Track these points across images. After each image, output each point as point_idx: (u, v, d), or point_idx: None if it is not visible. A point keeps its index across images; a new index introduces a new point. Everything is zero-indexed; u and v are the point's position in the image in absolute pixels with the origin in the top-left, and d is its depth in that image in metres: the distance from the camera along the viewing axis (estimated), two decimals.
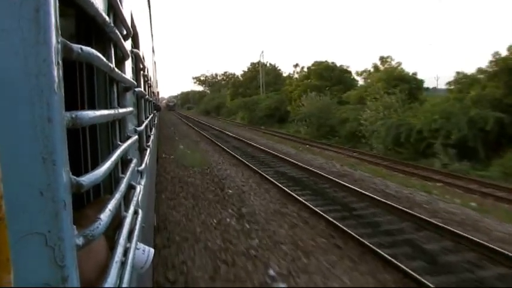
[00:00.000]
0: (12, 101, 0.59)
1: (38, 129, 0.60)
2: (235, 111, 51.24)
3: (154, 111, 8.11)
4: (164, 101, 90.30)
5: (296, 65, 44.38)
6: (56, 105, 0.63)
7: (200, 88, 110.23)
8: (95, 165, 1.53)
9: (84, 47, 0.76)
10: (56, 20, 0.65)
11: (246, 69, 59.83)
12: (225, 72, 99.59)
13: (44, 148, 0.61)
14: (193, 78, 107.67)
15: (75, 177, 0.71)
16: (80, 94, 1.43)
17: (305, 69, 40.01)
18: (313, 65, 37.61)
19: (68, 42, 0.71)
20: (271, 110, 38.24)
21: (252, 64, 58.27)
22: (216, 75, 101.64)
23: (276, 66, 55.72)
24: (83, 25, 1.38)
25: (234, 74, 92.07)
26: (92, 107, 1.51)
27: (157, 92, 20.32)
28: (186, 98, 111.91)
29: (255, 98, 45.26)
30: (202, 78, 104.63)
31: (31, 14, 0.60)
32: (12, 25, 0.58)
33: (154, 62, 14.05)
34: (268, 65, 55.05)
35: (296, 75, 42.90)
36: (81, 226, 0.75)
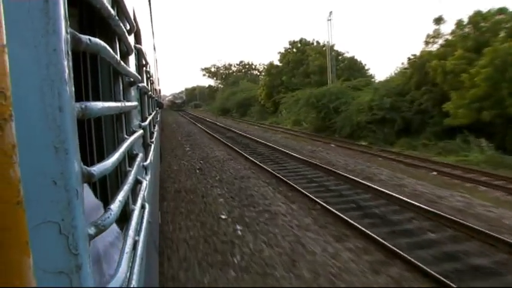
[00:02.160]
0: (24, 91, 0.59)
1: (49, 119, 0.61)
2: (271, 110, 38.80)
3: (157, 108, 8.11)
4: (168, 98, 75.30)
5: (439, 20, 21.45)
6: (67, 95, 0.64)
7: (210, 82, 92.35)
8: (101, 157, 1.54)
9: (92, 38, 0.77)
10: (64, 10, 0.65)
11: (283, 51, 42.05)
12: (241, 62, 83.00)
13: (56, 137, 0.61)
14: (202, 69, 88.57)
15: (86, 167, 0.72)
16: (84, 86, 1.43)
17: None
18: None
19: (77, 33, 0.72)
20: (384, 110, 21.29)
21: (293, 43, 41.30)
22: (230, 65, 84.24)
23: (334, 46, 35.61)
24: (88, 18, 1.38)
25: (252, 64, 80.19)
26: (97, 99, 1.52)
27: (159, 90, 20.33)
28: (191, 95, 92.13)
29: (332, 88, 26.98)
30: (213, 69, 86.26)
31: (40, 4, 0.60)
32: (22, 15, 0.58)
33: (156, 60, 14.04)
34: (314, 43, 40.09)
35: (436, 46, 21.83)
36: None
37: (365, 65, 36.08)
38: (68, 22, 0.67)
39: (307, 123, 27.98)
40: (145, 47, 3.79)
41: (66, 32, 0.66)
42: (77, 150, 0.67)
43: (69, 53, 0.67)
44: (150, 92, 4.13)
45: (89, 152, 1.53)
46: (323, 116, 25.16)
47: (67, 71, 0.64)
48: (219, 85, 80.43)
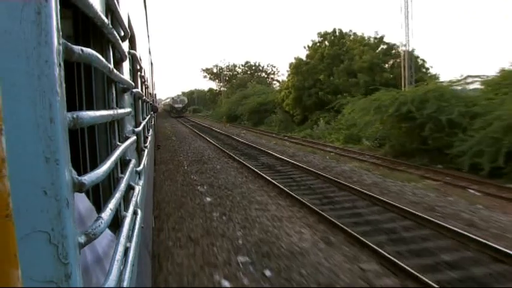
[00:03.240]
0: (15, 102, 0.60)
1: (40, 130, 0.62)
2: (298, 119, 31.00)
3: (152, 113, 8.11)
4: (165, 102, 68.91)
5: None
6: (58, 106, 0.65)
7: (211, 85, 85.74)
8: (94, 165, 1.54)
9: (84, 49, 0.77)
10: (57, 22, 0.66)
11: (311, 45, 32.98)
12: (247, 63, 74.97)
13: (46, 148, 0.62)
14: (203, 70, 79.39)
15: (77, 176, 0.72)
16: (78, 95, 1.44)
17: None
18: None
19: (69, 43, 0.73)
20: None
21: (325, 35, 32.10)
22: (235, 66, 75.81)
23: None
24: (81, 26, 1.39)
25: (259, 65, 73.49)
26: (90, 107, 1.52)
27: (155, 94, 20.27)
28: (189, 99, 74.89)
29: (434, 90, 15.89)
30: (215, 70, 77.23)
31: (33, 16, 0.61)
32: (14, 27, 0.59)
33: (151, 63, 14.04)
34: (350, 34, 31.26)
35: None
36: None
37: (426, 62, 26.68)
38: (61, 33, 0.68)
39: (385, 142, 18.01)
40: (140, 51, 3.80)
41: (59, 43, 0.67)
42: (68, 160, 0.68)
43: (61, 64, 0.68)
44: (144, 97, 4.13)
45: (82, 159, 1.53)
46: (421, 133, 15.05)
47: (58, 81, 0.65)
48: (222, 88, 71.58)
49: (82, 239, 0.74)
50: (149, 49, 11.24)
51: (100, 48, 1.23)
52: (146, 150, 3.13)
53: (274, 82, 67.77)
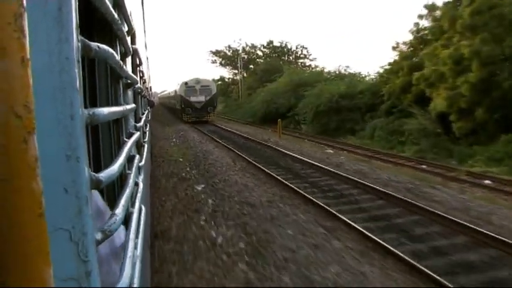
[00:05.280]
0: (37, 98, 0.60)
1: (61, 127, 0.61)
2: (464, 133, 15.63)
3: (148, 108, 8.07)
4: (163, 94, 49.55)
5: None
6: (78, 103, 0.64)
7: (221, 72, 62.72)
8: (99, 161, 1.54)
9: (101, 45, 0.77)
10: (76, 18, 0.65)
11: None
12: (270, 43, 55.93)
13: (67, 145, 0.62)
14: (212, 53, 59.47)
15: (94, 173, 0.72)
16: (90, 91, 1.43)
17: None
18: None
19: (86, 40, 0.72)
20: None
21: None
22: (254, 47, 57.04)
23: None
24: (88, 21, 1.37)
25: (286, 45, 54.90)
26: (94, 103, 1.51)
27: (150, 87, 20.10)
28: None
29: None
30: (229, 51, 58.29)
31: (55, 12, 0.60)
32: (38, 23, 0.59)
33: (147, 57, 13.95)
34: None
35: None
36: None
37: None
38: (79, 29, 0.68)
39: None
40: (139, 46, 3.77)
41: (78, 40, 0.66)
42: (86, 157, 0.67)
43: (80, 60, 0.67)
44: (143, 92, 4.12)
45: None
46: None
47: (78, 78, 0.65)
48: (239, 76, 53.94)
49: (99, 236, 0.74)
50: (145, 43, 11.16)
51: (109, 43, 1.23)
52: (146, 146, 3.12)
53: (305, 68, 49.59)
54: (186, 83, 30.77)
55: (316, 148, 18.18)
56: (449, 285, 4.69)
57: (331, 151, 17.40)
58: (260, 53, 57.62)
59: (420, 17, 21.82)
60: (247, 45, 57.37)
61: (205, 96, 30.66)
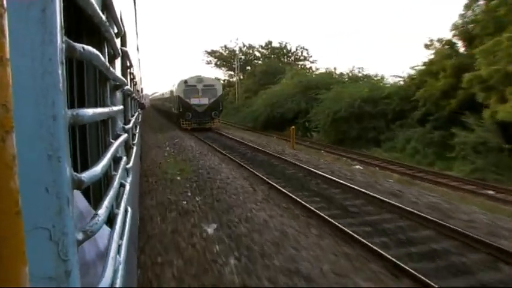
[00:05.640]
0: (19, 100, 0.60)
1: (43, 127, 0.62)
2: None
3: (139, 110, 8.04)
4: (155, 95, 47.48)
5: None
6: (60, 104, 0.65)
7: (216, 73, 56.80)
8: (85, 161, 1.54)
9: (85, 46, 0.78)
10: (60, 20, 0.66)
11: None
12: (269, 44, 52.98)
13: (49, 145, 0.62)
14: (207, 53, 56.63)
15: (76, 173, 0.73)
16: (77, 91, 1.43)
17: None
18: None
19: (71, 41, 0.73)
20: None
21: None
22: (252, 47, 54.19)
23: None
24: (77, 22, 1.38)
25: (285, 46, 52.16)
26: (82, 105, 1.51)
27: (141, 89, 19.92)
28: None
29: None
30: (225, 52, 55.62)
31: (38, 14, 0.61)
32: (20, 25, 0.59)
33: (139, 60, 13.91)
34: None
35: None
36: None
37: None
38: (63, 30, 0.68)
39: None
40: (129, 48, 3.77)
41: (62, 41, 0.67)
42: (68, 157, 0.68)
43: (64, 61, 0.68)
44: (133, 94, 4.11)
45: (73, 156, 1.52)
46: None
47: (61, 79, 0.65)
48: (235, 77, 50.83)
49: (80, 236, 0.74)
50: (137, 46, 11.13)
51: (97, 45, 1.23)
52: (135, 148, 3.11)
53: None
54: (185, 82, 25.03)
55: (341, 163, 14.53)
56: (435, 286, 4.72)
57: (360, 167, 13.85)
58: (258, 54, 54.62)
59: (467, 7, 17.62)
60: (244, 46, 54.25)
61: (209, 98, 25.06)
